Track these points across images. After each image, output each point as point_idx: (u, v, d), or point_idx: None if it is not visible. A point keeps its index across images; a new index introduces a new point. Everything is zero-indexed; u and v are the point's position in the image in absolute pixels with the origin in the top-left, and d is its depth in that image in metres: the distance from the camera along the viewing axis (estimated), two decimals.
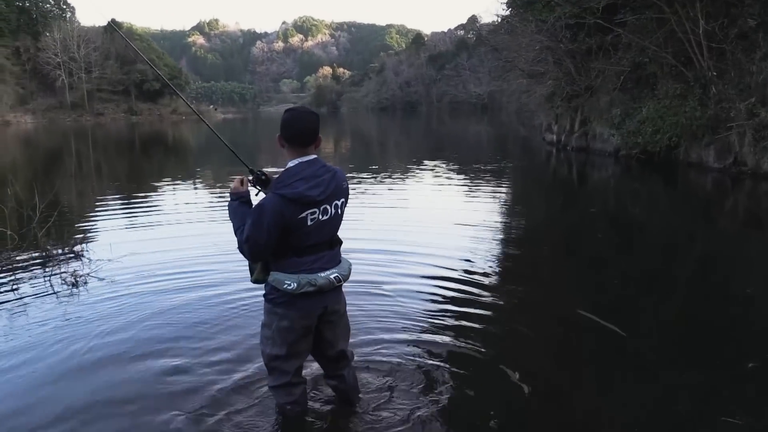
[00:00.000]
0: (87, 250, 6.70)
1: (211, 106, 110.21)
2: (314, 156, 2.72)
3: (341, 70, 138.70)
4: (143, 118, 69.95)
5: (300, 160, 2.67)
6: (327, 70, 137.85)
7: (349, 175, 15.64)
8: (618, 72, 16.02)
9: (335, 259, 2.87)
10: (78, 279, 5.61)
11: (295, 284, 2.72)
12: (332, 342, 3.03)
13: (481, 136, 34.02)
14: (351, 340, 3.22)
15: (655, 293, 5.43)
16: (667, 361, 3.94)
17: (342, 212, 2.84)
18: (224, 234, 8.44)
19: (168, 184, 14.27)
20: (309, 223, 2.67)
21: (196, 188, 13.71)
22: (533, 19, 17.98)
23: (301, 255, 2.75)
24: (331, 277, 2.80)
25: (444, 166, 17.02)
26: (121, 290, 5.35)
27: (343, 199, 2.81)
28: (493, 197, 11.82)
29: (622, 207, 11.18)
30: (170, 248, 7.02)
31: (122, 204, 11.09)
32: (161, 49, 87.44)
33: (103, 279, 5.70)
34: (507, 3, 22.87)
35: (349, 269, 2.92)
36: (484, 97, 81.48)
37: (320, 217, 2.70)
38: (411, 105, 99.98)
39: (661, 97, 14.83)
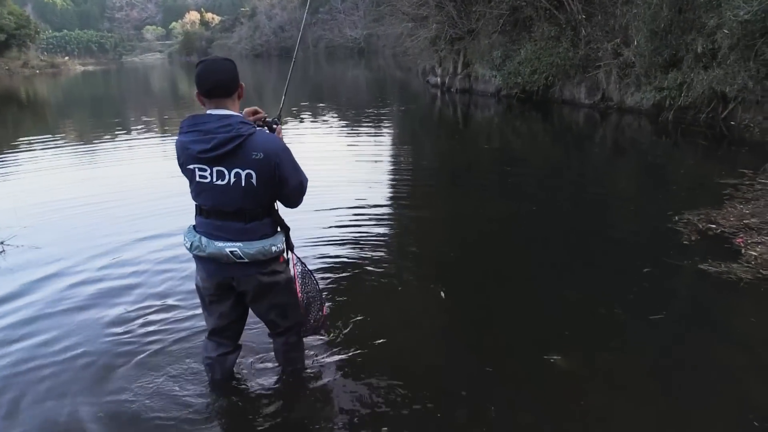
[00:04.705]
0: None
1: (66, 58, 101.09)
2: (218, 111, 2.49)
3: (210, 15, 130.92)
4: None
5: (208, 111, 2.52)
6: (194, 15, 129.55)
7: None
8: (497, 15, 16.83)
9: (241, 233, 2.60)
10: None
11: (189, 244, 2.67)
12: (259, 314, 2.96)
13: (359, 81, 34.14)
14: None
15: (547, 210, 6.27)
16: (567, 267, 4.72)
17: (252, 185, 2.51)
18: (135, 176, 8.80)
19: (35, 143, 13.39)
20: (197, 179, 2.55)
21: (66, 144, 13.02)
22: None
23: (200, 214, 2.67)
24: (226, 249, 2.58)
25: (331, 110, 17.30)
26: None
27: (249, 171, 2.48)
28: (391, 137, 12.43)
29: (507, 142, 12.14)
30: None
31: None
32: None
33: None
34: None
35: (264, 251, 2.62)
36: (361, 41, 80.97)
37: (214, 179, 2.51)
38: (287, 51, 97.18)
39: (537, 39, 15.85)
